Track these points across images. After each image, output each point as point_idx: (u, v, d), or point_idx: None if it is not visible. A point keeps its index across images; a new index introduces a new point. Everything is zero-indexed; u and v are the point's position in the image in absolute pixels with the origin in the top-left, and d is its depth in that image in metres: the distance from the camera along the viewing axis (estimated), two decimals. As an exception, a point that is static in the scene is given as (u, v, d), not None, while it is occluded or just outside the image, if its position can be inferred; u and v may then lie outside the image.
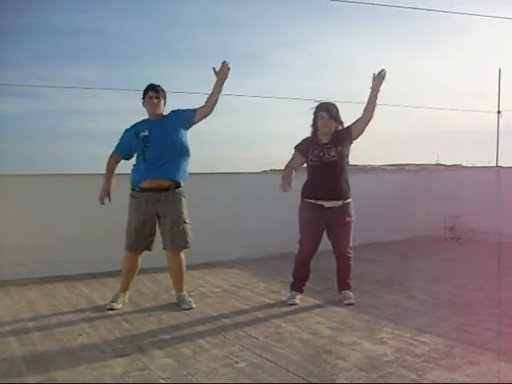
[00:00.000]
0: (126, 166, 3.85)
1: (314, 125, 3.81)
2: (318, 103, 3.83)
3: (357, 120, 3.78)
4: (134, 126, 3.81)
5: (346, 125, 3.82)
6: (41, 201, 4.85)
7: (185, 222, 3.70)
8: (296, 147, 3.88)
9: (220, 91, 3.69)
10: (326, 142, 3.74)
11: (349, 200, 3.77)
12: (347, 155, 3.80)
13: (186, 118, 3.73)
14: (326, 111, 3.74)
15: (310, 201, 3.75)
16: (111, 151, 3.90)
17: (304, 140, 3.88)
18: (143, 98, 3.74)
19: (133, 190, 3.74)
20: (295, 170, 3.80)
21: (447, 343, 2.82)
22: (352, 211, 3.78)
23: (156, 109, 3.69)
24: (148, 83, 3.73)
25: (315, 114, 3.80)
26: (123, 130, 3.85)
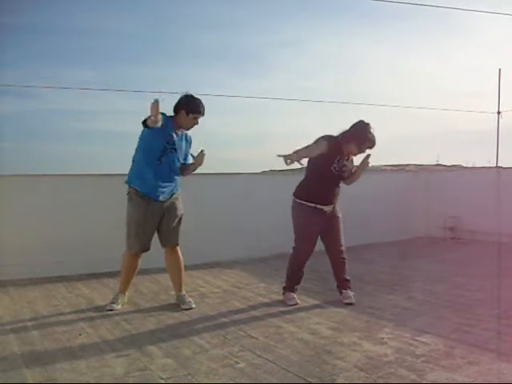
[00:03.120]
0: (126, 167, 3.84)
1: (358, 148, 3.75)
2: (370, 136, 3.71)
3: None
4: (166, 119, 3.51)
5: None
6: (41, 201, 4.85)
7: (180, 222, 3.77)
8: (327, 139, 3.67)
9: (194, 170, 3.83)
10: (344, 161, 3.77)
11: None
12: None
13: (187, 153, 3.78)
14: (372, 147, 3.76)
15: (310, 204, 3.74)
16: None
17: (334, 138, 3.73)
18: (185, 110, 3.55)
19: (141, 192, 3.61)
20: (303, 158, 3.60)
21: (447, 343, 2.82)
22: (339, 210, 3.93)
23: (190, 127, 3.68)
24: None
25: (366, 142, 3.71)
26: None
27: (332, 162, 3.70)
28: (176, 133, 3.63)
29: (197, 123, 3.65)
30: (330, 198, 3.80)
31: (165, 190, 3.63)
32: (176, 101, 3.64)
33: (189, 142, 3.78)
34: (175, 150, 3.64)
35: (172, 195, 3.71)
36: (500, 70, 9.86)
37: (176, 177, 3.72)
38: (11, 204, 4.73)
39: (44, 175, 5.13)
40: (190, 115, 3.58)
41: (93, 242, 4.89)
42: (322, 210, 3.75)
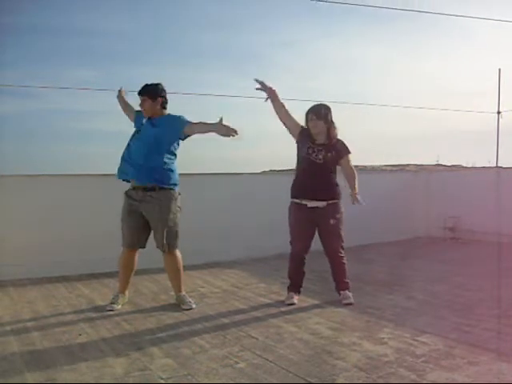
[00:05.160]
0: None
1: (307, 126, 3.84)
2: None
3: (347, 171, 3.81)
4: (138, 111, 3.90)
5: (337, 124, 3.84)
6: (41, 201, 4.85)
7: (168, 225, 3.61)
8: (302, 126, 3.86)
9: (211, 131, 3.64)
10: (320, 142, 3.76)
11: (335, 201, 3.78)
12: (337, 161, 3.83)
13: (177, 125, 3.68)
14: (314, 113, 3.78)
15: (295, 200, 3.81)
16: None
17: (307, 128, 3.85)
18: None
19: (121, 178, 3.78)
20: (283, 110, 3.88)
21: (447, 343, 2.82)
22: (339, 211, 3.78)
23: (145, 112, 3.76)
24: (145, 83, 3.75)
25: (306, 116, 3.85)
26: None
27: (301, 142, 3.79)
28: (150, 121, 3.75)
29: (142, 104, 3.75)
30: (312, 192, 3.72)
31: (128, 171, 3.69)
32: None
33: (168, 119, 3.74)
34: (140, 135, 3.73)
35: (150, 189, 3.60)
36: (500, 70, 9.87)
37: (149, 166, 3.60)
38: (11, 204, 4.73)
39: (44, 175, 5.14)
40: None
41: (93, 242, 4.89)
42: (305, 205, 3.73)
